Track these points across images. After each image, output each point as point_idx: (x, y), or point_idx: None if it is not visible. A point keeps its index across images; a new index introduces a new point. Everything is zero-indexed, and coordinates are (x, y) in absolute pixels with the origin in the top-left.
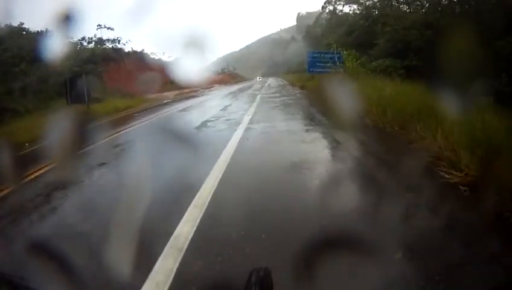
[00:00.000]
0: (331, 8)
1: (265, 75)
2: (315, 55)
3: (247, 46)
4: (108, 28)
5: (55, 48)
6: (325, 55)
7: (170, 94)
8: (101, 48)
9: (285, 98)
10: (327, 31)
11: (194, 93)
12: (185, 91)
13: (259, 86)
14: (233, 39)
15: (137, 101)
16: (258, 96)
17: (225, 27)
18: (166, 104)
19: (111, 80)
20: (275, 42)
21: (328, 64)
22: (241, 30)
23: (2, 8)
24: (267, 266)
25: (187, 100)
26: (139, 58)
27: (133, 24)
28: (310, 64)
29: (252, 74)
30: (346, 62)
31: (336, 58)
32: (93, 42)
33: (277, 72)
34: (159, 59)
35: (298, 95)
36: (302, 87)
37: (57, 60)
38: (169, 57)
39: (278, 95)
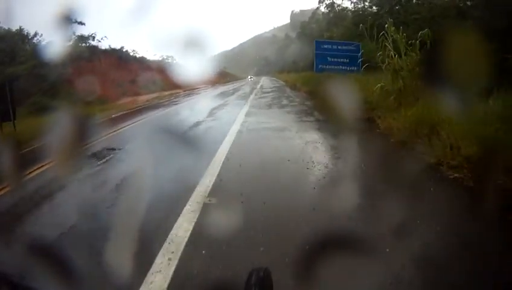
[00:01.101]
0: (328, 1)
1: (259, 73)
2: (326, 46)
3: (240, 44)
4: (79, 23)
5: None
6: (342, 47)
7: (145, 98)
8: (72, 45)
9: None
10: (325, 27)
11: (174, 98)
12: (165, 94)
13: (249, 88)
14: (226, 38)
15: (100, 110)
16: (243, 112)
17: (217, 26)
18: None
19: (82, 83)
20: (268, 41)
21: (345, 61)
22: (234, 29)
23: None
24: (267, 267)
25: (150, 111)
26: (118, 57)
27: (120, 22)
28: (319, 60)
29: (244, 72)
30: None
31: (356, 52)
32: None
33: (271, 71)
34: (142, 57)
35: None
36: (310, 94)
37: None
38: (154, 55)
39: (279, 109)
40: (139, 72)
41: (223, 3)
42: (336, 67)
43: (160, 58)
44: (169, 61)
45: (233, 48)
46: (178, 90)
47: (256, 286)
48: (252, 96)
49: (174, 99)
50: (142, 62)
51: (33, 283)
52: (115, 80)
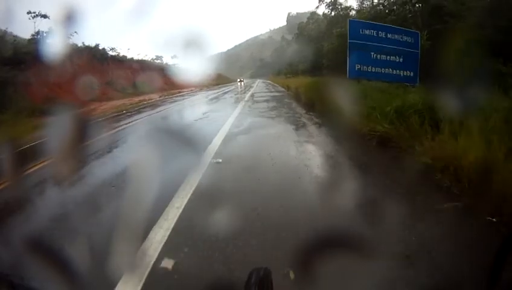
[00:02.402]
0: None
1: (254, 76)
2: (368, 32)
3: (235, 46)
4: (42, 16)
5: None
6: (394, 36)
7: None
8: (30, 43)
9: None
10: (325, 28)
11: (143, 106)
12: (135, 101)
13: (232, 99)
14: (221, 40)
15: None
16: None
17: (212, 28)
18: None
19: (43, 87)
20: (264, 43)
21: (397, 60)
22: (230, 31)
23: None
24: (267, 267)
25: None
26: (92, 56)
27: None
28: (356, 57)
29: (239, 75)
30: None
31: (413, 45)
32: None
33: (266, 74)
34: (123, 57)
35: None
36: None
37: None
38: (138, 54)
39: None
40: (117, 73)
41: (219, 4)
42: (383, 71)
43: (145, 58)
44: (158, 61)
45: (228, 50)
46: (152, 96)
47: (256, 286)
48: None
49: (138, 111)
50: (122, 62)
51: (33, 283)
52: (86, 82)
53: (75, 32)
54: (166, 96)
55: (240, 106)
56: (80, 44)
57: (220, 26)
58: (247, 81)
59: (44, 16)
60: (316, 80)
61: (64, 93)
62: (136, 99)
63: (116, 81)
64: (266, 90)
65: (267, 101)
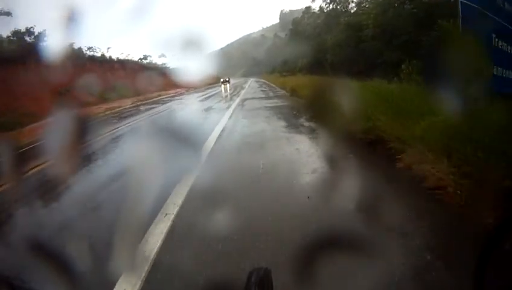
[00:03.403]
0: None
1: (247, 74)
2: None
3: (227, 45)
4: (4, 14)
5: None
6: None
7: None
8: None
9: None
10: (323, 21)
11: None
12: (100, 109)
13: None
14: (213, 39)
15: None
16: None
17: (205, 26)
18: None
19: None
20: (256, 41)
21: None
22: (221, 29)
23: None
24: (267, 267)
25: None
26: (64, 57)
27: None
28: (499, 57)
29: (231, 74)
30: None
31: None
32: None
33: (259, 72)
34: (102, 56)
35: None
36: None
37: None
38: (121, 54)
39: None
40: (94, 76)
41: (210, 3)
42: None
43: (129, 58)
44: (146, 61)
45: (222, 48)
46: (124, 103)
47: (256, 286)
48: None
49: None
50: (102, 62)
51: (34, 285)
52: (55, 87)
53: (44, 30)
54: (140, 104)
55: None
56: (50, 44)
57: (211, 25)
58: (237, 81)
59: (7, 13)
60: (330, 80)
61: (29, 101)
62: (104, 107)
63: (92, 85)
64: (262, 94)
65: (266, 118)
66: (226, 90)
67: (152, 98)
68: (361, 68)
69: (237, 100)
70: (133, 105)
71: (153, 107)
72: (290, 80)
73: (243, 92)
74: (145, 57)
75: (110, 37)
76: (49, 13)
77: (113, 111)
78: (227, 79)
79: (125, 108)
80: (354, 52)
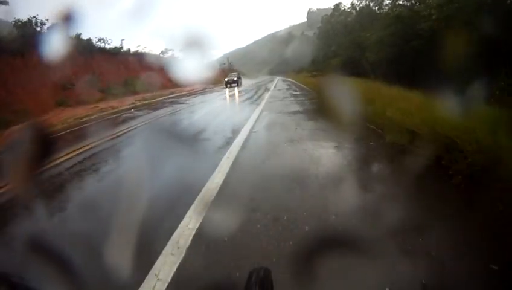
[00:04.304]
0: None
1: (273, 72)
2: None
3: (254, 42)
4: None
5: None
6: None
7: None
8: None
9: None
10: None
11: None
12: (78, 114)
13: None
14: (240, 36)
15: None
16: None
17: (231, 23)
18: None
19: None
20: (283, 39)
21: None
22: (249, 26)
23: None
24: (267, 267)
25: None
26: (71, 49)
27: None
28: None
29: (257, 71)
30: None
31: None
32: None
33: (286, 70)
34: (116, 48)
35: None
36: None
37: None
38: (137, 46)
39: None
40: (103, 69)
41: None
42: None
43: (145, 50)
44: (166, 55)
45: (248, 45)
46: (124, 103)
47: (256, 286)
48: None
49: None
50: (115, 55)
51: (33, 283)
52: (60, 80)
53: (46, 19)
54: (144, 103)
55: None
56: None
57: (238, 23)
58: (261, 79)
59: (3, 2)
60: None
61: (26, 96)
62: (100, 106)
63: (101, 79)
64: (295, 105)
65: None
66: (230, 95)
67: (163, 96)
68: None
69: (255, 114)
70: (129, 107)
71: (148, 113)
72: (323, 80)
73: (263, 102)
74: (165, 51)
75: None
76: (54, 2)
77: (100, 115)
78: (234, 78)
79: (126, 108)
80: (401, 51)
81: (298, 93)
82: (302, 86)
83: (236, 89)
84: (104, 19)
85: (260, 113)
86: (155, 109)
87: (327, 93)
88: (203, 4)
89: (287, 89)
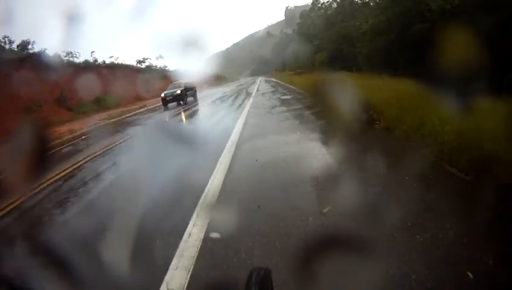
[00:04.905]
0: None
1: (254, 73)
2: None
3: (233, 44)
4: None
5: None
6: None
7: None
8: None
9: None
10: (334, 13)
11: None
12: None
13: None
14: (218, 39)
15: None
16: None
17: (208, 27)
18: None
19: None
20: (262, 39)
21: None
22: (227, 30)
23: None
24: (267, 267)
25: None
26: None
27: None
28: None
29: (239, 73)
30: None
31: None
32: None
33: (267, 70)
34: (86, 62)
35: None
36: None
37: None
38: (110, 57)
39: None
40: (74, 85)
41: (213, 4)
42: None
43: (119, 61)
44: (145, 64)
45: (228, 49)
46: (87, 125)
47: (256, 286)
48: None
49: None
50: (86, 69)
51: (34, 286)
52: (28, 99)
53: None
54: (104, 124)
55: None
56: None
57: (215, 26)
58: (244, 81)
59: None
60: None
61: None
62: (61, 130)
63: (71, 96)
64: (301, 126)
65: None
66: (184, 114)
67: (129, 113)
68: (407, 61)
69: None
70: (84, 131)
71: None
72: (314, 79)
73: (244, 112)
74: (143, 60)
75: (107, 41)
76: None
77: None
78: (177, 91)
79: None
80: (400, 39)
81: (288, 97)
82: (290, 86)
83: (205, 100)
84: (74, 31)
85: (229, 168)
86: (103, 138)
87: (331, 97)
88: (180, 10)
89: (273, 92)
